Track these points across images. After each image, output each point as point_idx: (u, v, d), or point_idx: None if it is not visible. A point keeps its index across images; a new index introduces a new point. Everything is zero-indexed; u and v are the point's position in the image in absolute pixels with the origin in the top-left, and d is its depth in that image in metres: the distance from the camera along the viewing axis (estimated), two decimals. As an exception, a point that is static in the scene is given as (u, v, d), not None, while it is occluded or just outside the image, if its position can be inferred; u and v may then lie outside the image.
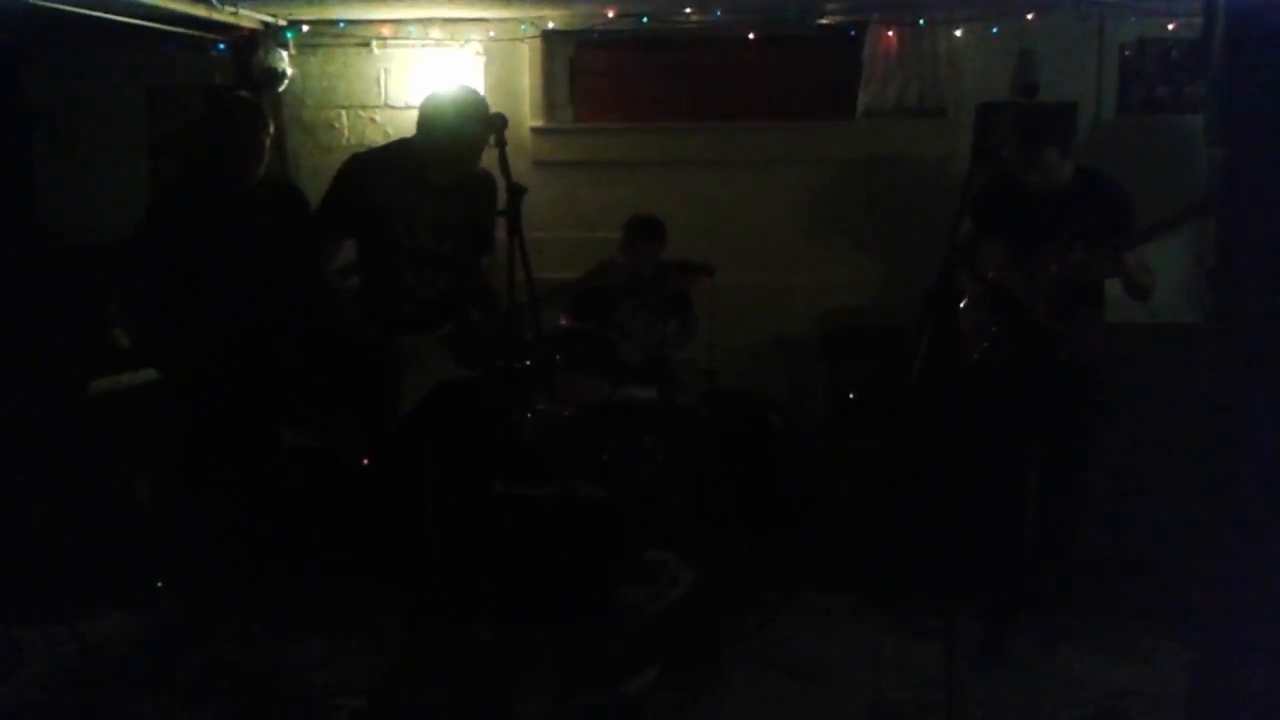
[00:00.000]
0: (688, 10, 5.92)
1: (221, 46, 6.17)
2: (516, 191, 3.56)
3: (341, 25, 6.21)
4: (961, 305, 4.35)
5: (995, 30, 5.79)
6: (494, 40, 6.23)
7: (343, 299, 3.92)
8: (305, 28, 6.25)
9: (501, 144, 3.62)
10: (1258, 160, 2.10)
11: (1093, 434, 4.23)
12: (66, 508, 4.58)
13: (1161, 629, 4.24)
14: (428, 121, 3.85)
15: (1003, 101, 5.59)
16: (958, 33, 5.84)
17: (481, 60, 6.24)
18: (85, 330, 4.82)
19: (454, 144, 3.83)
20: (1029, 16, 5.71)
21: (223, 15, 5.65)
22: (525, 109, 6.24)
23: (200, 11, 5.52)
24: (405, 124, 5.74)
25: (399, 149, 3.98)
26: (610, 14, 5.99)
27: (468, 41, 6.24)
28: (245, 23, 5.93)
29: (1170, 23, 5.64)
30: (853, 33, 5.99)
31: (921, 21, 5.85)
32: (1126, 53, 5.74)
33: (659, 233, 5.43)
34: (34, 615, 4.32)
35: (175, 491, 4.65)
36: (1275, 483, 2.16)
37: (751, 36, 6.10)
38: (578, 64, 6.41)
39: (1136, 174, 4.32)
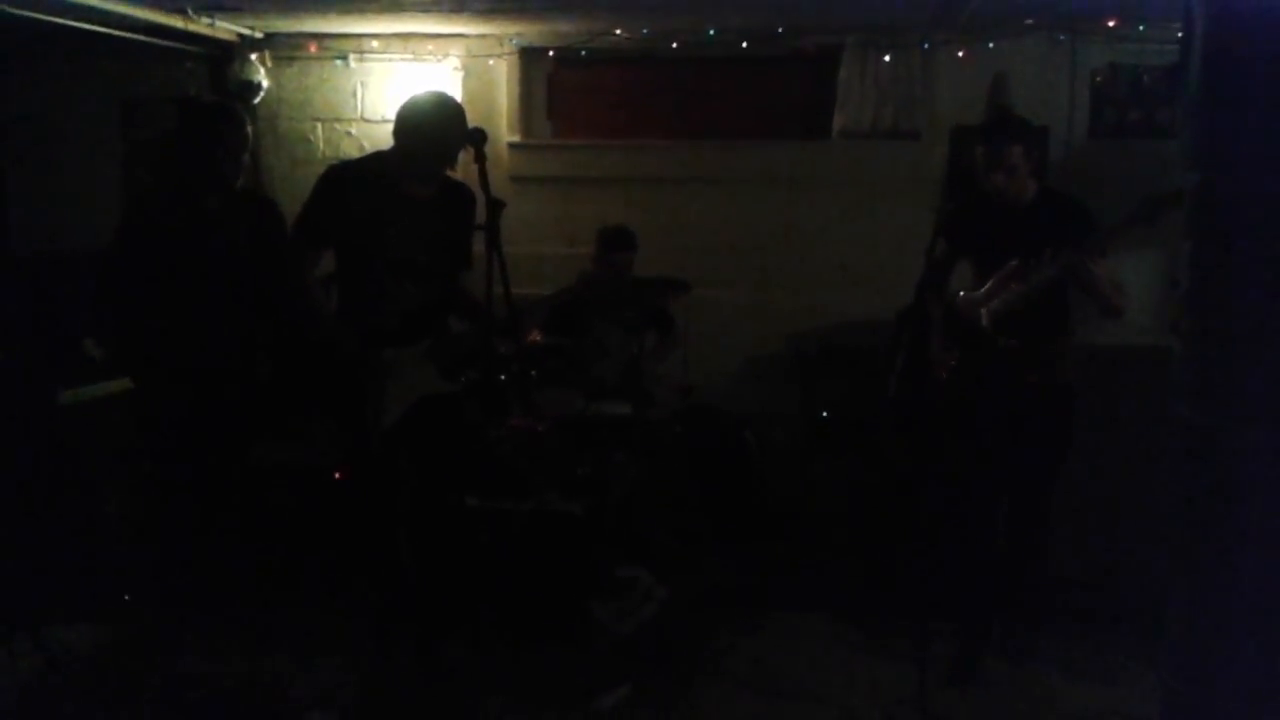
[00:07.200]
0: (666, 29, 5.95)
1: (197, 58, 6.15)
2: (496, 206, 3.56)
3: (321, 39, 6.22)
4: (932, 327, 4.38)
5: (969, 54, 5.84)
6: (472, 56, 6.24)
7: (322, 311, 3.89)
8: (281, 40, 6.24)
9: (481, 159, 3.62)
10: (1235, 183, 2.12)
11: (1063, 455, 4.25)
12: (34, 518, 4.53)
13: (1133, 649, 4.29)
14: (404, 122, 3.84)
15: (977, 125, 5.65)
16: (933, 57, 5.89)
17: (459, 76, 6.25)
18: (55, 340, 4.78)
19: (430, 144, 3.82)
20: (1002, 41, 5.77)
21: (198, 26, 5.63)
22: (503, 125, 6.25)
23: (176, 22, 5.50)
24: (381, 138, 5.75)
25: (377, 160, 3.98)
26: (588, 31, 6.02)
27: (445, 57, 6.25)
28: (221, 34, 5.91)
29: (1141, 48, 5.70)
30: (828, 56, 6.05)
31: (897, 45, 5.90)
32: (1098, 78, 5.81)
33: (629, 241, 5.42)
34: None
35: (145, 502, 4.61)
36: (1249, 504, 2.17)
37: (729, 57, 6.14)
38: (555, 80, 6.43)
39: (1108, 198, 4.35)
